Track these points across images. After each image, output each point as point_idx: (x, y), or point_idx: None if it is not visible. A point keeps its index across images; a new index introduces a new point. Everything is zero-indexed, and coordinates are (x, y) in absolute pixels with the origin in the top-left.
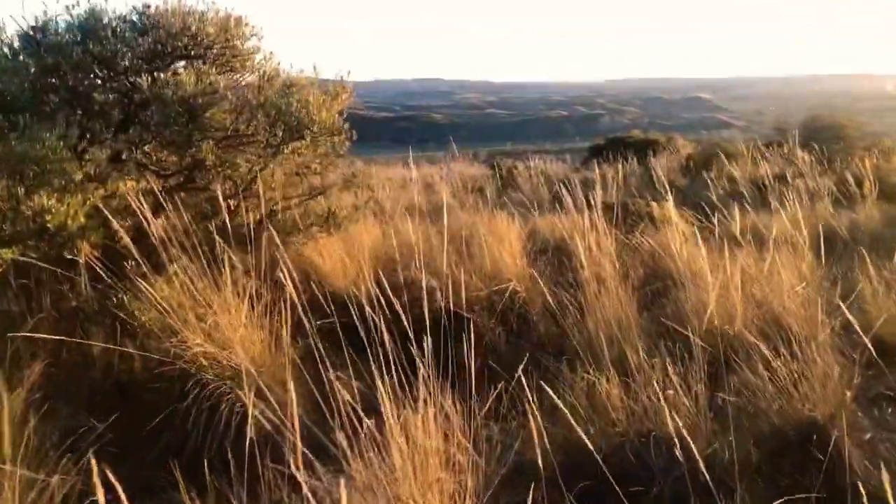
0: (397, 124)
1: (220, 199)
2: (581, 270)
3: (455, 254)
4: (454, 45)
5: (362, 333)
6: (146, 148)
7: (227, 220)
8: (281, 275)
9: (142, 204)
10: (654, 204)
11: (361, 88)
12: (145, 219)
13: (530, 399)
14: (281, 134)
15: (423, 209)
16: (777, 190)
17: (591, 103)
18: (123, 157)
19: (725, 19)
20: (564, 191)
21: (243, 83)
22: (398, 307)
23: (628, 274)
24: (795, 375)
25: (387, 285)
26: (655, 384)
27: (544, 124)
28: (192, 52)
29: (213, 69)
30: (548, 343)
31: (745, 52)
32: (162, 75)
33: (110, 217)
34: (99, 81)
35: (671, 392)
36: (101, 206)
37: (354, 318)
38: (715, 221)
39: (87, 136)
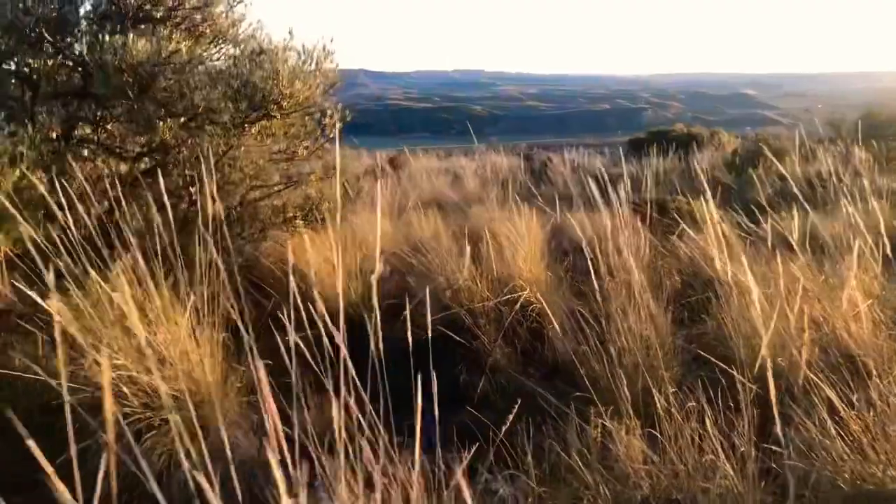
0: (437, 115)
1: (162, 185)
2: (608, 277)
3: (464, 254)
4: (495, 37)
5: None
6: (108, 126)
7: (169, 212)
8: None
9: (56, 191)
10: (694, 202)
11: (401, 79)
12: (56, 210)
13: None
14: (245, 109)
15: (442, 203)
16: (832, 190)
17: (634, 97)
18: (76, 135)
19: (772, 15)
20: (598, 186)
21: (226, 54)
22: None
23: (662, 283)
24: (872, 430)
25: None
26: (689, 437)
27: (585, 117)
28: (155, 14)
29: (178, 35)
30: (561, 370)
31: (793, 49)
32: (108, 38)
33: (12, 209)
34: (49, 48)
35: (711, 457)
36: (11, 194)
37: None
38: (764, 224)
39: (11, 110)
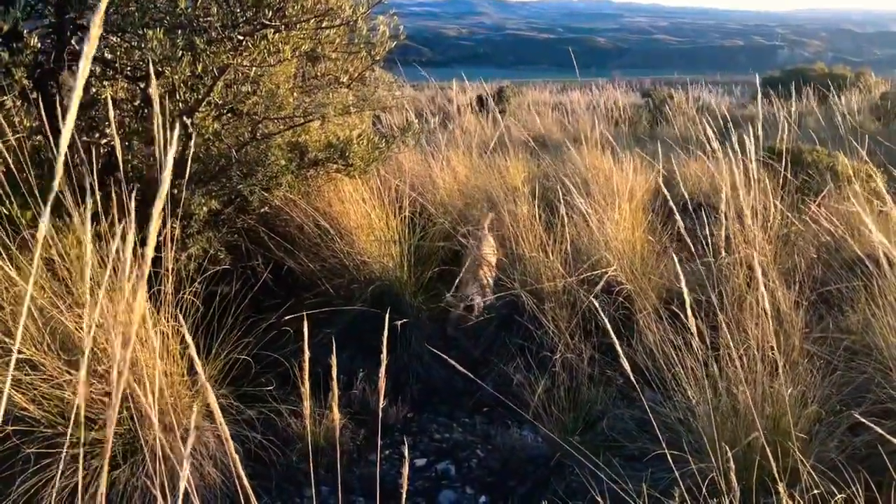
0: (559, 47)
1: (108, 111)
2: (723, 251)
3: (541, 214)
4: None
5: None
6: (113, 39)
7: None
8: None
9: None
10: (838, 154)
11: (525, 8)
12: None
13: None
14: (240, 14)
15: (544, 141)
16: None
17: (770, 34)
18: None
19: None
20: (721, 129)
21: None
22: None
23: (794, 261)
24: None
25: None
26: None
27: (716, 54)
28: None
29: None
30: (652, 380)
31: None
32: None
33: None
34: None
35: None
36: None
37: None
38: None
39: None
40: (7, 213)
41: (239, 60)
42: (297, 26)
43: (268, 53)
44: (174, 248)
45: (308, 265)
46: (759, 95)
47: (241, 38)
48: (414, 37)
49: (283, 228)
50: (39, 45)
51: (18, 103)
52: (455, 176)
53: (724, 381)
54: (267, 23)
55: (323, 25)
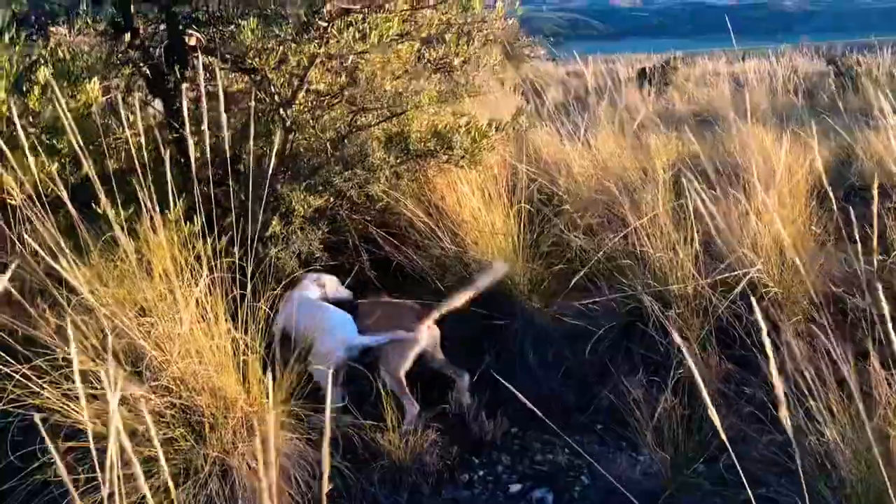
0: (740, 13)
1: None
2: None
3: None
4: None
5: None
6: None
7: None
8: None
9: None
10: None
11: None
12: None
13: None
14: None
15: (709, 116)
16: None
17: None
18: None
19: None
20: None
21: None
22: None
23: None
24: None
25: None
26: None
27: None
28: None
29: None
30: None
31: None
32: None
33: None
34: None
35: None
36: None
37: None
38: None
39: None
40: (101, 211)
41: (326, 49)
42: (383, 8)
43: (353, 40)
44: (277, 245)
45: (417, 261)
46: None
47: (324, 25)
48: (585, 11)
49: (394, 222)
50: (147, 38)
51: (132, 100)
52: (594, 159)
53: (874, 420)
54: (349, 6)
55: (418, 5)
